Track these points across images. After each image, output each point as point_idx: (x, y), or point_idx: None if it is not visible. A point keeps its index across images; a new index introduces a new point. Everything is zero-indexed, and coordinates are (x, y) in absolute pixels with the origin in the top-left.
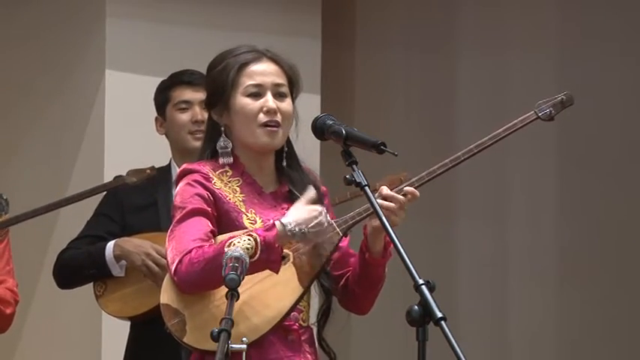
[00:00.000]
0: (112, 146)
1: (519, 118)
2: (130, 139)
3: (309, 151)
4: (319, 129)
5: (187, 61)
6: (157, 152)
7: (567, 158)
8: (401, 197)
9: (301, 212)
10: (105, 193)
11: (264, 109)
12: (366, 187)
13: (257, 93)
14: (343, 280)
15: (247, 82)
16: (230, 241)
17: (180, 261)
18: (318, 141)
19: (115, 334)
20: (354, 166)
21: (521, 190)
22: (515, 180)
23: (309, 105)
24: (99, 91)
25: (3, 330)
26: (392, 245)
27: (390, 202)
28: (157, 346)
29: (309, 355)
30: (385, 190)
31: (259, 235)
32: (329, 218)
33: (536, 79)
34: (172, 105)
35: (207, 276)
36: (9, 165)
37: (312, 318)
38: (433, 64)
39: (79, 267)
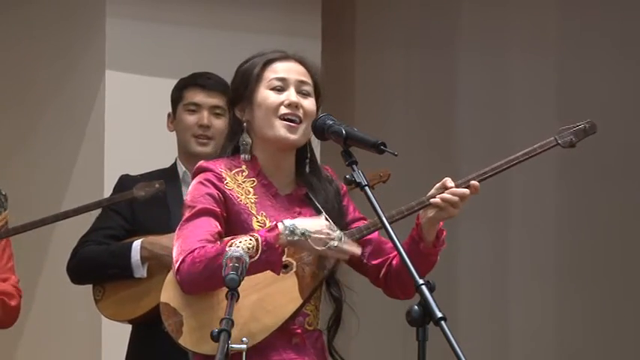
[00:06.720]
0: (112, 146)
1: (539, 144)
2: (130, 139)
3: None
4: (319, 129)
5: (187, 61)
6: (157, 152)
7: (567, 159)
8: (465, 190)
9: (309, 220)
10: (113, 189)
11: (286, 102)
12: (366, 188)
13: (281, 87)
14: (385, 268)
15: (271, 75)
16: (232, 241)
17: (183, 260)
18: (318, 141)
19: (115, 334)
20: (354, 166)
21: (522, 191)
22: (515, 180)
23: None
24: (99, 91)
25: (9, 324)
26: (444, 233)
27: (454, 195)
28: (159, 347)
29: (315, 358)
30: (449, 182)
31: (261, 236)
32: (338, 233)
33: (536, 79)
34: (183, 105)
35: (208, 276)
36: (9, 165)
37: (321, 322)
38: (433, 64)
39: (100, 265)
